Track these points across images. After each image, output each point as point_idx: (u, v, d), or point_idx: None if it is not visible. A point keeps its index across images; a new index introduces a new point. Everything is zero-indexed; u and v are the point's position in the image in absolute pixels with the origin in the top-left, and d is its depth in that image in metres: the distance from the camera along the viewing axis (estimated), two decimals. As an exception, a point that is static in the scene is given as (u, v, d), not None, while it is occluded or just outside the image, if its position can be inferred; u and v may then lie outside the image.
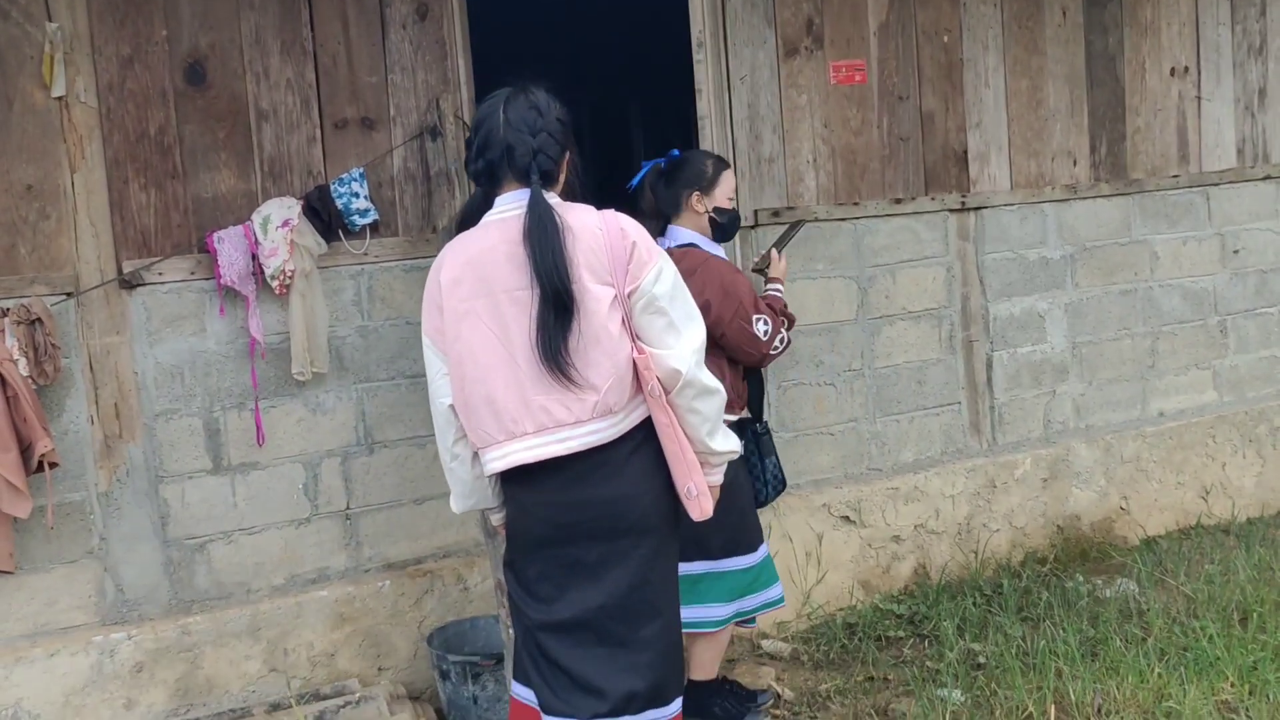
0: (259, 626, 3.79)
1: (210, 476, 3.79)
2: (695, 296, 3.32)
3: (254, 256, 3.71)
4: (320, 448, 3.92)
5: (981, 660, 4.04)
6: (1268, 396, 5.70)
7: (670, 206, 3.59)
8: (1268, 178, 5.66)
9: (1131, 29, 5.29)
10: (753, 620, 3.68)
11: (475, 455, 2.68)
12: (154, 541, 3.73)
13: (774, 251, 3.93)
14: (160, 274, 3.69)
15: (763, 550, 3.63)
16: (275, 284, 3.71)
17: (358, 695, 3.63)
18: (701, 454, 2.66)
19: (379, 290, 3.97)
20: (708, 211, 3.59)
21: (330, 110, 3.89)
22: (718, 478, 2.76)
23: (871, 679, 4.01)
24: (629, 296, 2.57)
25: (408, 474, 4.04)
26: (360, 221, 3.87)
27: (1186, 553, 5.00)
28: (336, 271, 3.90)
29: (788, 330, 3.66)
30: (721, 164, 3.67)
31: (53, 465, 3.44)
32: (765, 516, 4.10)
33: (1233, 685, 3.66)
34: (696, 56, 4.40)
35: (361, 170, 3.88)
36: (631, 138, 9.54)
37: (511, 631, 2.93)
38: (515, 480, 2.63)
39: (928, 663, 4.07)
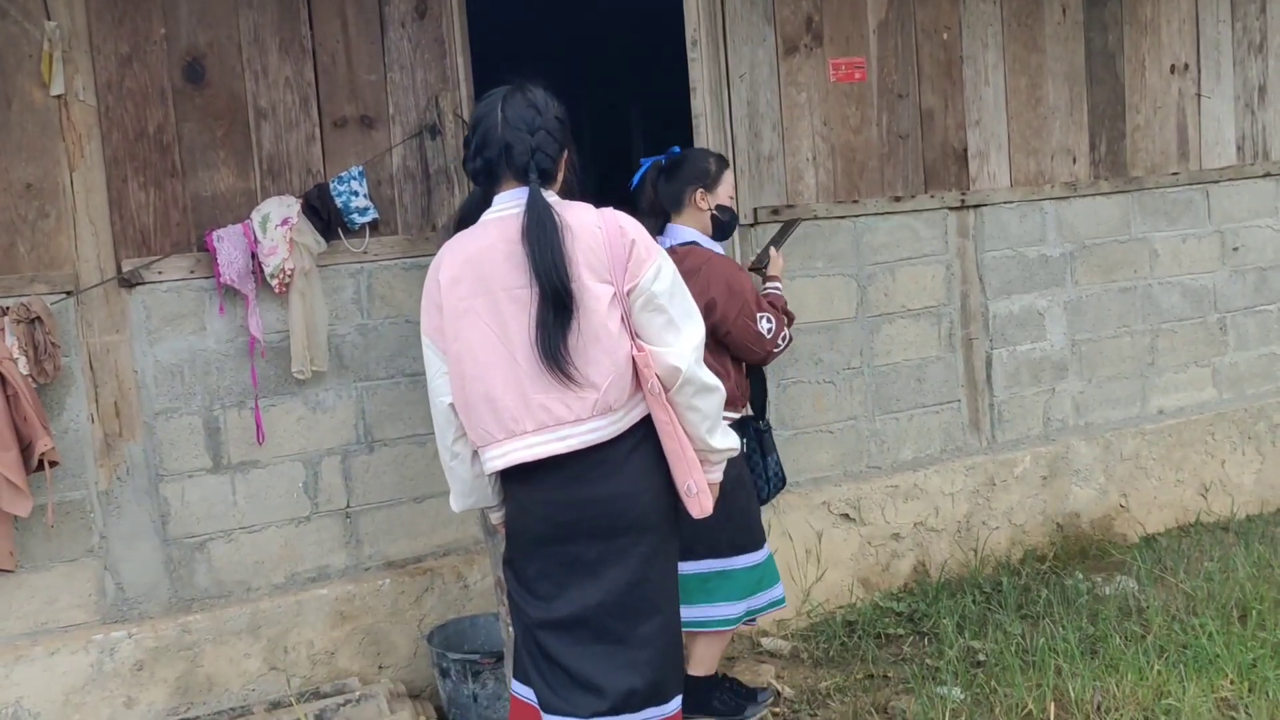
0: (259, 625, 3.80)
1: (210, 475, 3.79)
2: (700, 295, 3.34)
3: (253, 255, 3.71)
4: (320, 446, 3.93)
5: (981, 658, 4.04)
6: (1267, 394, 5.70)
7: (672, 203, 3.59)
8: (1267, 175, 5.66)
9: (1131, 26, 5.29)
10: (753, 619, 3.69)
11: (475, 454, 2.68)
12: (154, 540, 3.73)
13: (772, 250, 3.93)
14: (160, 272, 3.69)
15: (766, 548, 3.64)
16: (275, 282, 3.71)
17: (358, 693, 3.64)
18: (701, 452, 2.66)
19: (378, 288, 3.97)
20: (710, 209, 3.59)
21: (329, 108, 3.89)
22: (717, 475, 2.76)
23: (871, 676, 4.01)
24: (628, 294, 2.57)
25: (408, 472, 4.04)
26: (359, 220, 3.87)
27: (1186, 550, 5.01)
28: (336, 270, 3.90)
29: (788, 328, 3.67)
30: (723, 162, 3.68)
31: (53, 464, 3.44)
32: (765, 514, 4.10)
33: (1232, 682, 3.67)
34: (691, 55, 4.40)
35: (361, 168, 3.88)
36: (631, 136, 9.53)
37: (511, 630, 2.93)
38: (515, 478, 2.64)
39: (927, 660, 4.07)
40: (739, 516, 3.53)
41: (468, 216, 2.70)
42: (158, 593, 3.75)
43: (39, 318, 3.44)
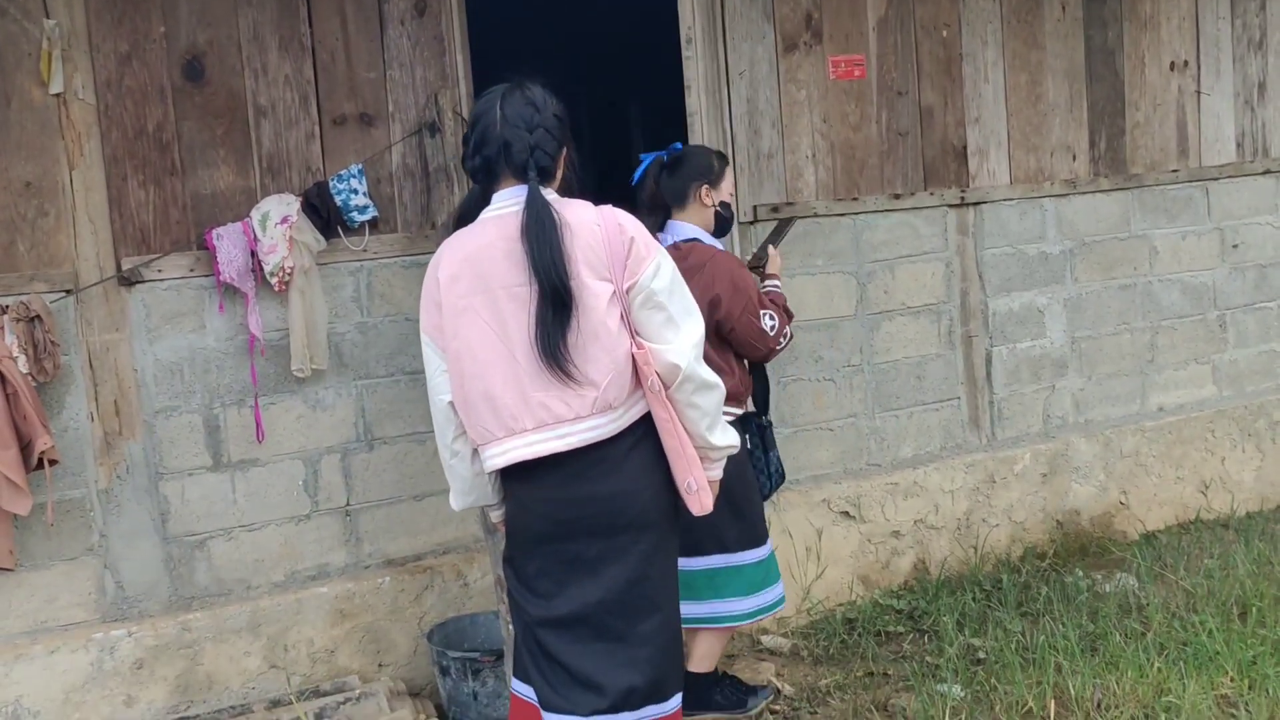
0: (259, 623, 3.80)
1: (210, 473, 3.79)
2: (704, 291, 3.35)
3: (253, 253, 3.71)
4: (320, 444, 3.93)
5: (981, 655, 4.04)
6: (1267, 391, 5.70)
7: (676, 199, 3.58)
8: (1267, 172, 5.66)
9: (1131, 23, 5.29)
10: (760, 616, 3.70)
11: (475, 452, 2.68)
12: (154, 538, 3.73)
13: (771, 248, 3.93)
14: (159, 271, 3.69)
15: (770, 543, 3.66)
16: (274, 281, 3.71)
17: (358, 692, 3.64)
18: (701, 449, 2.66)
19: (378, 286, 3.97)
20: (714, 205, 3.59)
21: (329, 106, 3.89)
22: (717, 473, 2.76)
23: (871, 674, 4.01)
24: (627, 292, 2.57)
25: (407, 470, 4.04)
26: (359, 218, 3.87)
27: (1186, 547, 5.00)
28: (336, 268, 3.90)
29: (788, 325, 3.67)
30: (724, 159, 3.69)
31: (52, 462, 3.44)
32: (765, 511, 4.09)
33: (1232, 680, 3.67)
34: (686, 53, 4.40)
35: (360, 166, 3.88)
36: (630, 134, 9.53)
37: (511, 628, 2.93)
38: (515, 477, 2.64)
39: (927, 658, 4.07)
40: (746, 513, 3.54)
41: (467, 214, 2.71)
42: (158, 591, 3.75)
43: (38, 316, 3.44)
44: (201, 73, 3.73)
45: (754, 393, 3.74)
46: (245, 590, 3.85)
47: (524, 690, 2.75)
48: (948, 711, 3.60)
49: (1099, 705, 3.57)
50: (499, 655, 3.59)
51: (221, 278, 3.69)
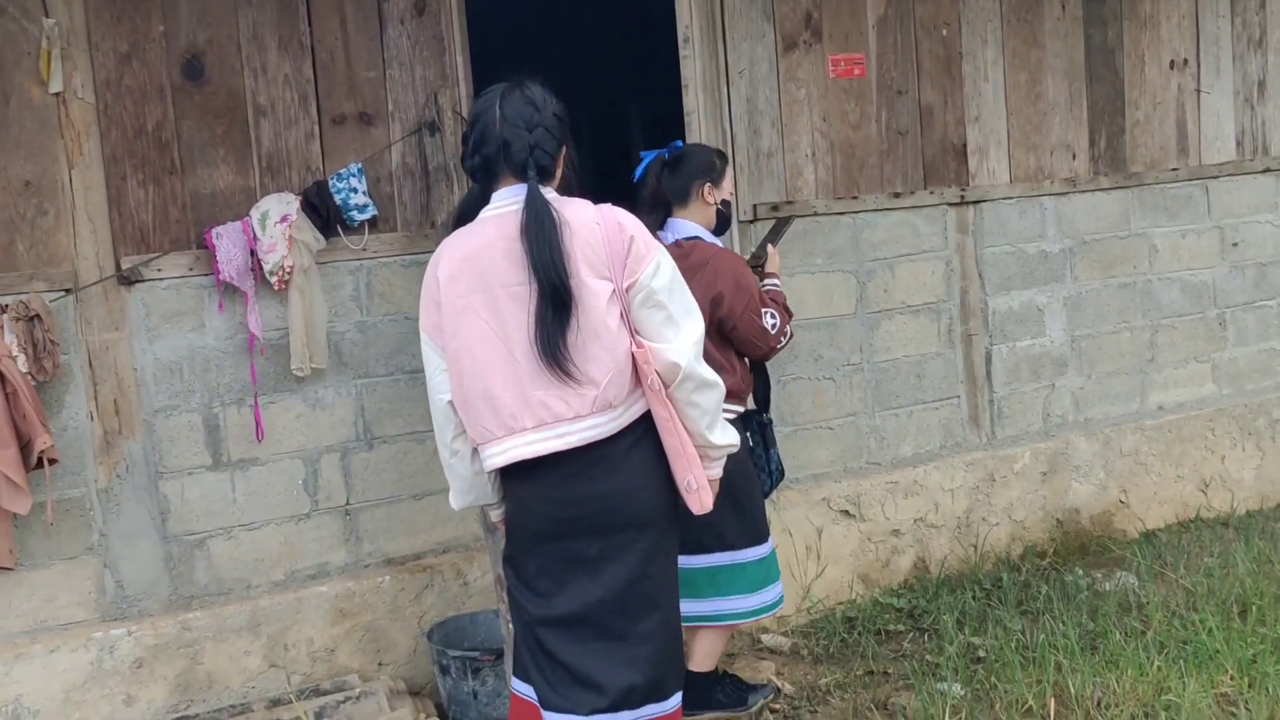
0: (259, 622, 3.80)
1: (210, 472, 3.79)
2: (707, 288, 3.35)
3: (252, 252, 3.70)
4: (320, 443, 3.93)
5: (981, 654, 4.04)
6: (1267, 389, 5.70)
7: (678, 197, 3.58)
8: (1267, 170, 5.66)
9: (1131, 22, 5.29)
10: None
11: (474, 451, 2.68)
12: (154, 537, 3.73)
13: (769, 246, 3.93)
14: (159, 270, 3.69)
15: (771, 540, 3.66)
16: (274, 280, 3.71)
17: (358, 690, 3.64)
18: (701, 447, 2.66)
19: (378, 285, 3.97)
20: (716, 204, 3.60)
21: (328, 106, 3.89)
22: (717, 471, 2.77)
23: (871, 673, 4.01)
24: (627, 291, 2.56)
25: (407, 469, 4.04)
26: (359, 217, 3.87)
27: (1186, 546, 5.01)
28: (335, 267, 3.90)
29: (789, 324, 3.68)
30: (724, 157, 3.70)
31: (52, 461, 3.44)
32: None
33: (1232, 678, 3.67)
34: (683, 52, 4.40)
35: (360, 166, 3.87)
36: (630, 134, 9.52)
37: (511, 627, 2.93)
38: (514, 476, 2.64)
39: (927, 656, 4.07)
40: (748, 510, 3.55)
41: (466, 213, 2.71)
42: (157, 590, 3.75)
43: (38, 315, 3.44)
44: (201, 72, 3.73)
45: (755, 390, 3.74)
46: (245, 589, 3.85)
47: (524, 689, 2.75)
48: (948, 710, 3.60)
49: (1099, 704, 3.57)
50: (499, 654, 3.59)
51: (221, 277, 3.69)
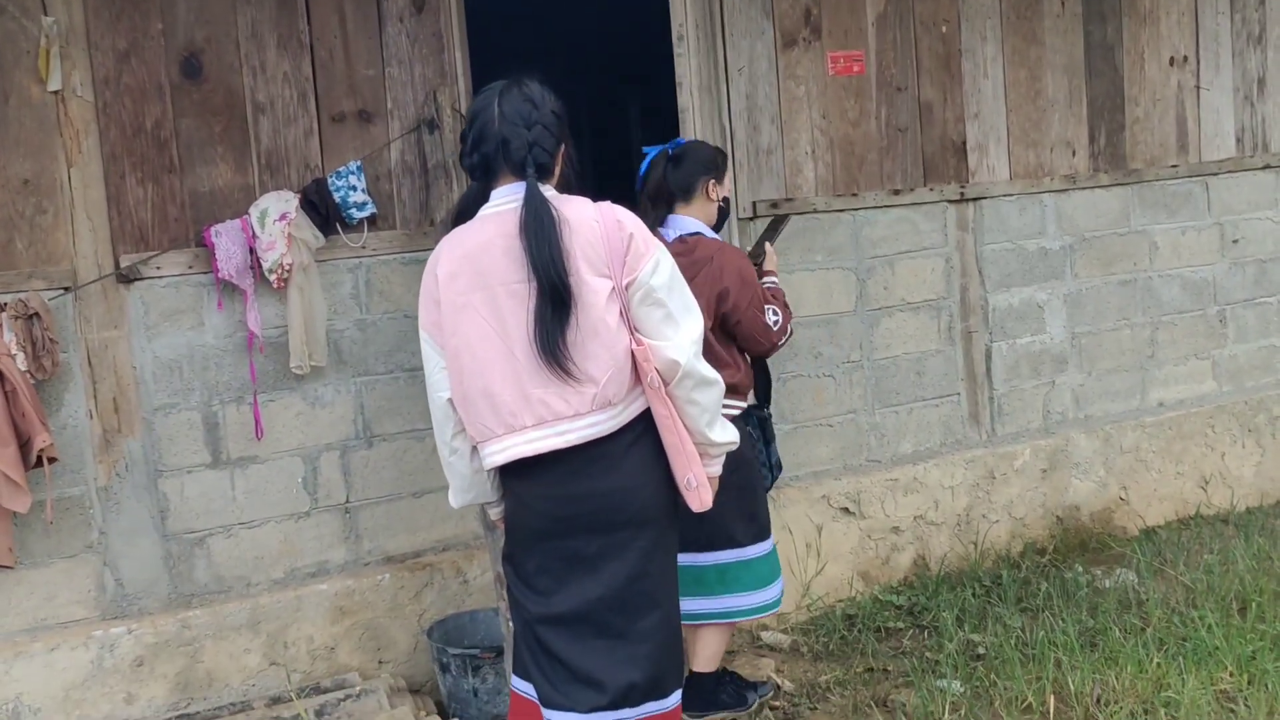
0: (259, 620, 3.80)
1: (209, 470, 3.79)
2: (712, 283, 3.36)
3: (251, 250, 3.70)
4: (319, 441, 3.93)
5: (981, 651, 4.04)
6: (1267, 386, 5.70)
7: (683, 192, 3.57)
8: (1267, 167, 5.65)
9: (1130, 18, 5.28)
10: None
11: (474, 449, 2.68)
12: (153, 536, 3.73)
13: (767, 244, 3.93)
14: (158, 268, 3.69)
15: (773, 536, 3.67)
16: (273, 278, 3.71)
17: (358, 688, 3.64)
18: (701, 445, 2.66)
19: (377, 283, 3.97)
20: (718, 200, 3.60)
21: (327, 103, 3.89)
22: (716, 469, 2.77)
23: (871, 670, 4.02)
24: (626, 288, 2.56)
25: (406, 467, 4.04)
26: (358, 215, 3.87)
27: (1185, 543, 5.01)
28: (334, 265, 3.90)
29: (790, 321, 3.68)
30: (723, 154, 3.71)
31: (51, 460, 3.44)
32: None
33: (1231, 675, 3.67)
34: (678, 50, 4.39)
35: (359, 163, 3.87)
36: (630, 131, 9.52)
37: (511, 625, 2.93)
38: (514, 474, 2.64)
39: (927, 653, 4.08)
40: (754, 506, 3.57)
41: (465, 211, 2.70)
42: (157, 588, 3.75)
43: (37, 314, 3.44)
44: (200, 70, 3.73)
45: (755, 385, 3.74)
46: (245, 587, 3.85)
47: (524, 687, 2.75)
48: (947, 707, 3.60)
49: (1098, 701, 3.57)
50: (499, 652, 3.60)
51: (220, 275, 3.69)
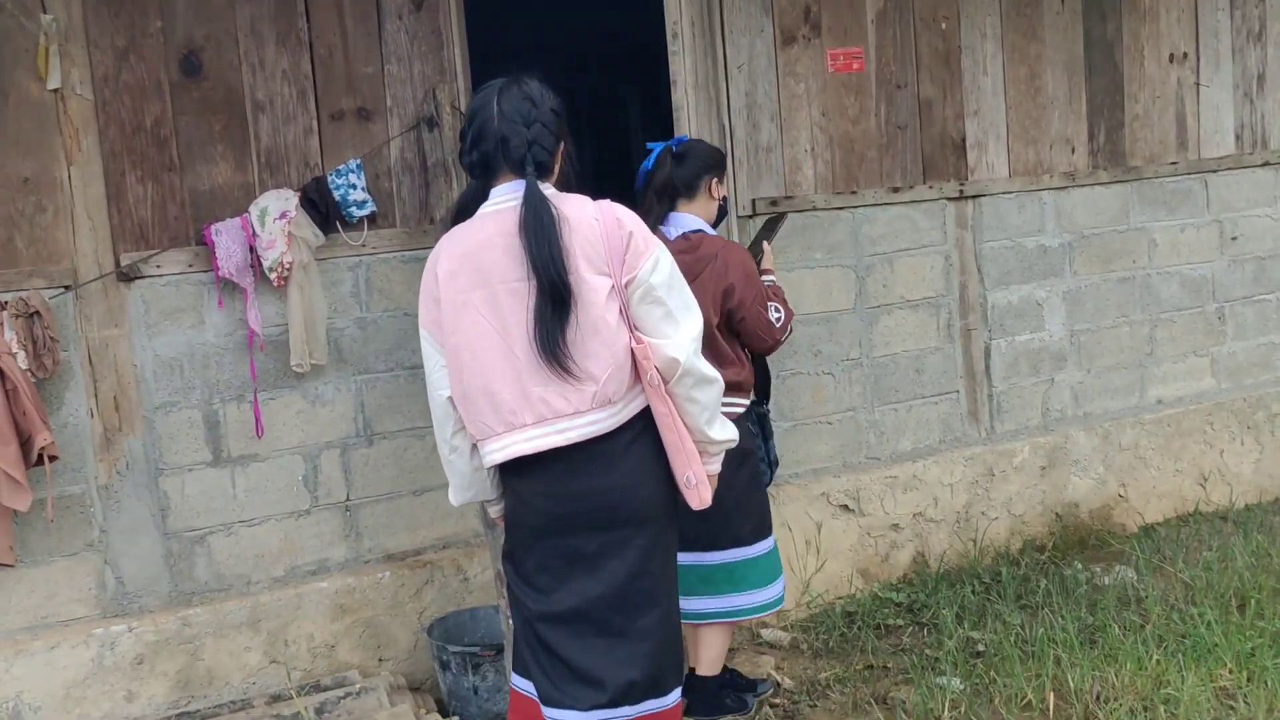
0: (259, 618, 3.80)
1: (210, 469, 3.80)
2: (718, 280, 3.37)
3: (252, 249, 3.70)
4: (319, 439, 3.93)
5: (980, 648, 4.05)
6: (1266, 383, 5.71)
7: (687, 189, 3.57)
8: (1266, 164, 5.66)
9: (1130, 15, 5.28)
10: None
11: (474, 447, 2.68)
12: (154, 534, 3.74)
13: (765, 243, 3.94)
14: (158, 266, 3.69)
15: (773, 534, 3.68)
16: (273, 276, 3.71)
17: (358, 686, 3.64)
18: (700, 443, 2.67)
19: (377, 281, 3.97)
20: (719, 199, 3.61)
21: (327, 101, 3.88)
22: (716, 467, 2.77)
23: (871, 667, 4.02)
24: (626, 286, 2.56)
25: (407, 465, 4.04)
26: (358, 213, 3.87)
27: (1185, 540, 5.01)
28: (334, 263, 3.90)
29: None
30: (722, 153, 3.70)
31: (52, 458, 3.44)
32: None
33: (1230, 672, 3.67)
34: (672, 48, 4.38)
35: (359, 161, 3.87)
36: (630, 130, 9.51)
37: (511, 622, 2.94)
38: (514, 471, 2.64)
39: (927, 651, 4.08)
40: (759, 505, 3.58)
41: (465, 209, 2.70)
42: (158, 586, 3.76)
43: (37, 312, 3.44)
44: (199, 68, 3.73)
45: (755, 381, 3.74)
46: (245, 585, 3.85)
47: (524, 685, 2.75)
48: (947, 704, 3.61)
49: (1098, 698, 3.58)
50: (499, 650, 3.60)
51: (220, 273, 3.69)
